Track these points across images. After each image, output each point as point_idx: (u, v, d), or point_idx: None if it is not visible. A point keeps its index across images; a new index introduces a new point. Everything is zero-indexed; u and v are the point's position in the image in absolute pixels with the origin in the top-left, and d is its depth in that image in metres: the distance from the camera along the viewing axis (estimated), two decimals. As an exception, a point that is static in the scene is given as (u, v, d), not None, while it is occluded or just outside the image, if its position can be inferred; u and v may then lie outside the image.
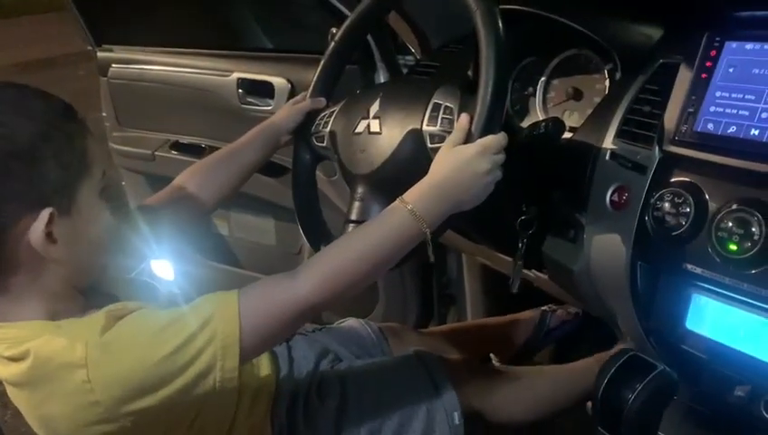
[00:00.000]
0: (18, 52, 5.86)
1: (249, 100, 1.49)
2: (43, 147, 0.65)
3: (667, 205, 0.76)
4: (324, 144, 0.94)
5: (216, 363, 0.66)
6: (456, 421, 0.94)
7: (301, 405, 0.92)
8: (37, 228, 0.65)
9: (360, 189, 0.87)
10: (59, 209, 0.66)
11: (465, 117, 0.77)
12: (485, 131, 0.76)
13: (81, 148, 0.69)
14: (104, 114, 1.82)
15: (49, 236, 0.66)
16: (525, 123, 1.06)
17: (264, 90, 1.46)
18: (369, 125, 0.88)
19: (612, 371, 0.80)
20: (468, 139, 0.76)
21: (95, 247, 0.72)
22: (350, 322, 1.14)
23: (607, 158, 0.85)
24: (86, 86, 2.24)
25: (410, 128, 0.83)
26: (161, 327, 0.66)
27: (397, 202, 0.74)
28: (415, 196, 0.74)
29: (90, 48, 1.79)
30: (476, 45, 0.77)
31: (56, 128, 0.67)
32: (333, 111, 0.94)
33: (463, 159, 0.75)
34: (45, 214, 0.65)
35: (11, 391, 0.71)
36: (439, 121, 0.81)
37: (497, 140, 0.76)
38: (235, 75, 1.50)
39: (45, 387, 0.66)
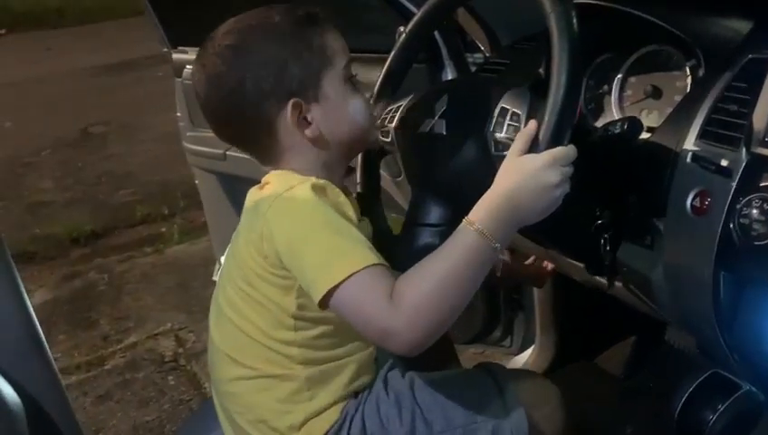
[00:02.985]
0: (103, 54, 6.15)
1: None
2: (282, 52, 0.81)
3: (754, 211, 0.71)
4: (389, 139, 0.93)
5: (316, 272, 0.74)
6: None
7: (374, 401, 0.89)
8: (289, 115, 0.81)
9: (421, 191, 0.85)
10: (306, 99, 0.81)
11: (532, 123, 0.74)
12: (554, 143, 0.73)
13: (320, 46, 0.82)
14: (179, 114, 1.87)
15: (303, 120, 0.82)
16: (600, 123, 1.02)
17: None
18: (434, 125, 0.86)
19: (692, 388, 0.75)
20: (534, 148, 0.73)
21: (348, 125, 0.84)
22: None
23: (688, 160, 0.80)
24: (164, 87, 2.31)
25: (475, 132, 0.81)
26: (327, 221, 0.76)
27: (464, 223, 0.73)
28: (480, 213, 0.72)
29: (165, 50, 1.84)
30: (549, 48, 0.74)
31: (293, 36, 0.82)
32: (400, 106, 0.93)
33: (529, 170, 0.72)
34: (290, 104, 0.81)
35: None
36: (505, 128, 0.79)
37: (567, 151, 0.73)
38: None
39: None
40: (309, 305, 0.78)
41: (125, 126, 4.41)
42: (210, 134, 1.80)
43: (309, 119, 0.82)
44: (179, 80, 1.80)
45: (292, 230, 0.77)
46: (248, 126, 0.84)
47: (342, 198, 0.81)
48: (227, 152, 1.76)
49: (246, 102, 0.82)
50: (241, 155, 1.71)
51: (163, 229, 3.03)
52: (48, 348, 1.06)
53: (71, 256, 2.89)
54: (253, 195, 0.87)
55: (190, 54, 1.78)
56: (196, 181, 1.95)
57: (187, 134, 1.85)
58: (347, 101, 0.84)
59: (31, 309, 1.03)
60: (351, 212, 0.80)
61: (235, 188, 1.77)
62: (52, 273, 2.75)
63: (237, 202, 1.83)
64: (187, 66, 1.77)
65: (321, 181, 0.80)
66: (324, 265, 0.73)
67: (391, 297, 0.70)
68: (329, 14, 0.85)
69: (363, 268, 0.71)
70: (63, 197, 3.56)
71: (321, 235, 0.75)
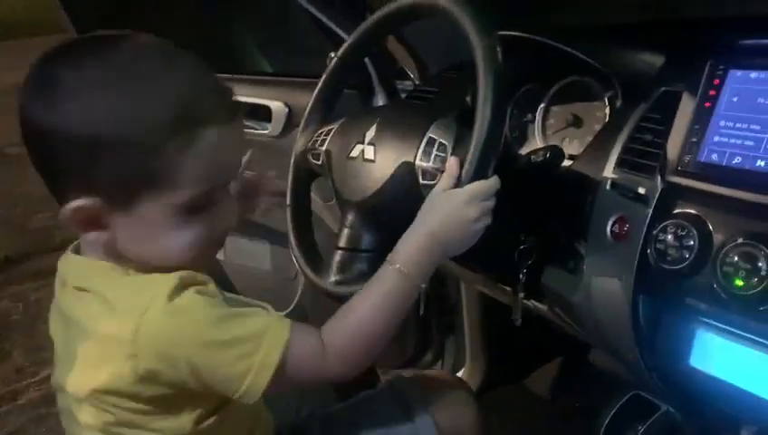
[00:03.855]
0: (22, 73, 5.90)
1: (247, 123, 1.48)
2: (106, 143, 0.62)
3: (669, 237, 0.73)
4: (320, 162, 0.92)
5: (247, 377, 0.66)
6: None
7: None
8: (78, 209, 0.65)
9: (350, 216, 0.85)
10: (110, 203, 0.65)
11: (454, 161, 0.76)
12: (476, 177, 0.74)
13: (160, 166, 0.63)
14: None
15: (91, 220, 0.66)
16: (524, 150, 1.04)
17: (262, 113, 1.44)
18: (363, 151, 0.86)
19: (614, 410, 0.77)
20: (458, 184, 0.75)
21: (157, 254, 0.68)
22: None
23: (607, 187, 0.83)
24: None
25: (403, 160, 0.81)
26: (220, 317, 0.66)
27: (385, 264, 0.74)
28: (401, 254, 0.74)
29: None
30: (475, 75, 0.76)
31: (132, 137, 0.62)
32: (331, 130, 0.93)
33: (450, 206, 0.74)
34: (84, 201, 0.64)
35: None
36: (432, 158, 0.80)
37: (487, 185, 0.74)
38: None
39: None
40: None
41: (44, 147, 4.22)
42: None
43: (103, 222, 0.66)
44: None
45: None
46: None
47: None
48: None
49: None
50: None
51: (84, 255, 2.90)
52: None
53: (-18, 284, 2.73)
54: None
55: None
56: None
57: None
58: (165, 232, 0.67)
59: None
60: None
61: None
62: (-39, 302, 2.59)
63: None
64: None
65: (174, 280, 0.66)
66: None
67: (322, 347, 0.70)
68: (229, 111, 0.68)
69: (289, 325, 0.70)
70: (-25, 221, 3.37)
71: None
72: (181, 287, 0.66)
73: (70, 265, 0.74)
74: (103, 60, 0.63)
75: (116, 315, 0.65)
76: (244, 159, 0.92)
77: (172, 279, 0.66)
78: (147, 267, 0.69)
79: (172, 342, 0.65)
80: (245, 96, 1.47)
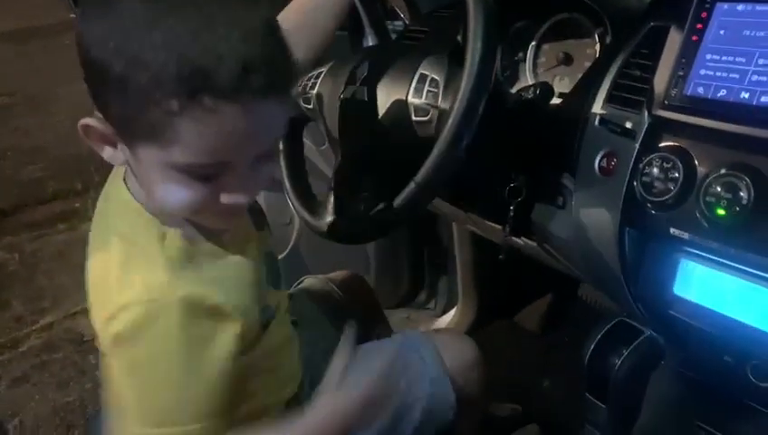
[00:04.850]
0: (2, 22, 5.76)
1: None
2: (113, 78, 0.56)
3: (655, 170, 0.75)
4: (311, 106, 0.93)
5: None
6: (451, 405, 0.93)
7: None
8: (88, 127, 0.62)
9: (343, 158, 0.86)
10: (120, 135, 0.61)
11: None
12: (470, 109, 0.74)
13: (159, 120, 0.57)
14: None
15: (104, 139, 0.63)
16: (515, 88, 1.05)
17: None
18: (355, 91, 0.87)
19: (599, 336, 0.81)
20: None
21: (156, 201, 0.65)
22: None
23: (596, 123, 0.84)
24: (72, 56, 2.19)
25: (396, 98, 0.82)
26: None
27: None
28: None
29: (73, 16, 1.75)
30: (465, 14, 0.76)
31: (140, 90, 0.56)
32: (321, 73, 0.93)
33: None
34: (96, 122, 0.61)
35: None
36: (425, 94, 0.80)
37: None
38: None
39: None
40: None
41: (31, 98, 4.16)
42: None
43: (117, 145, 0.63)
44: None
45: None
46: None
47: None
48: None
49: None
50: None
51: (77, 205, 2.90)
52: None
53: (-23, 236, 2.74)
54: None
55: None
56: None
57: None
58: (161, 183, 0.62)
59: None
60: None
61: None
62: (-43, 253, 2.60)
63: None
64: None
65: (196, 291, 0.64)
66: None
67: None
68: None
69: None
70: (-35, 174, 3.35)
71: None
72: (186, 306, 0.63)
73: (111, 192, 0.72)
74: None
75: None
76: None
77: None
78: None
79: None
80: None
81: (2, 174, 3.30)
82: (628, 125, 0.80)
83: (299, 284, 1.13)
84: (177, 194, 0.61)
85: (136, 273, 0.64)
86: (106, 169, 0.72)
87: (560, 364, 1.22)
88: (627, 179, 0.78)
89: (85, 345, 2.01)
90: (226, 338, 0.66)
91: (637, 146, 0.78)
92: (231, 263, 0.71)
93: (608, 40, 0.94)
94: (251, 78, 0.56)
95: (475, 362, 1.00)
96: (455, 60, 0.81)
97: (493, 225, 1.03)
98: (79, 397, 1.81)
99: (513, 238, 0.98)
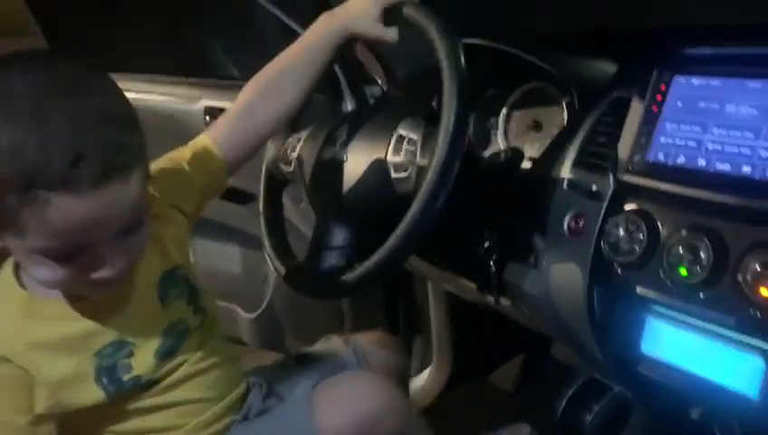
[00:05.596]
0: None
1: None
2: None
3: (621, 231, 0.78)
4: (291, 169, 0.96)
5: None
6: None
7: None
8: None
9: (324, 215, 0.89)
10: None
11: None
12: (445, 169, 0.77)
13: (5, 215, 0.61)
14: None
15: None
16: (487, 153, 1.09)
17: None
18: (335, 153, 0.90)
19: (571, 392, 0.82)
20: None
21: (32, 277, 0.70)
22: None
23: (564, 186, 0.88)
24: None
25: (374, 157, 0.85)
26: None
27: None
28: None
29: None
30: (441, 83, 0.80)
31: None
32: (301, 138, 0.96)
33: None
34: None
35: None
36: (403, 152, 0.83)
37: None
38: (203, 103, 1.51)
39: None
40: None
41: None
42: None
43: None
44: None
45: None
46: None
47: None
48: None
49: None
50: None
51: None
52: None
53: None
54: None
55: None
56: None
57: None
58: (32, 266, 0.67)
59: None
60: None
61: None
62: None
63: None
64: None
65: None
66: None
67: None
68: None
69: None
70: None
71: None
72: None
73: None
74: None
75: None
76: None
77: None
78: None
79: None
80: (214, 100, 1.50)
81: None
82: (595, 188, 0.84)
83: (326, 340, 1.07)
84: (44, 273, 0.66)
85: None
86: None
87: (532, 422, 1.22)
88: (594, 239, 0.82)
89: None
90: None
91: (603, 208, 0.82)
92: (71, 330, 0.73)
93: (575, 108, 0.99)
94: (81, 169, 0.59)
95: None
96: (431, 122, 0.84)
97: (467, 283, 1.05)
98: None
99: (488, 297, 1.00)
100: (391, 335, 1.17)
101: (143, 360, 0.75)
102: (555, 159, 0.91)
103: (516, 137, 1.08)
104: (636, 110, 0.83)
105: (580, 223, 0.84)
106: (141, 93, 1.60)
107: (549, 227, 0.88)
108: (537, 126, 1.05)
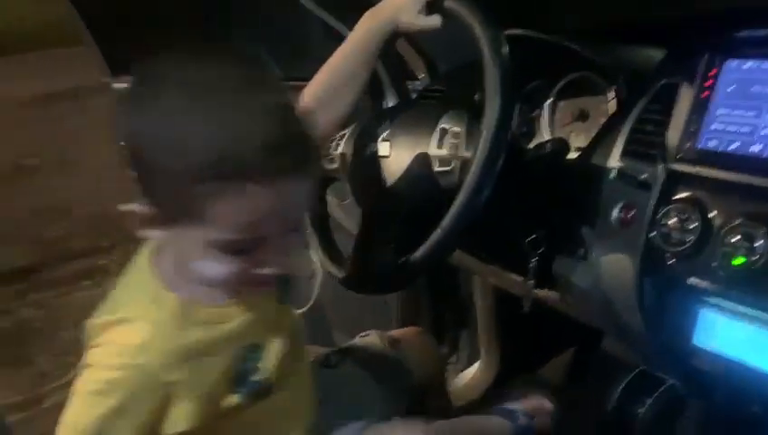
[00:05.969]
0: (33, 85, 5.96)
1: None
2: (147, 165, 0.63)
3: (672, 221, 0.77)
4: (335, 166, 0.97)
5: None
6: None
7: None
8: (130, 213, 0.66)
9: (369, 210, 0.89)
10: (161, 217, 0.65)
11: None
12: (489, 162, 0.77)
13: (193, 204, 0.61)
14: (122, 143, 1.85)
15: (147, 223, 0.66)
16: (533, 144, 1.08)
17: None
18: (378, 148, 0.90)
19: (621, 386, 0.81)
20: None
21: (195, 273, 0.68)
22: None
23: (613, 177, 0.86)
24: (101, 118, 2.27)
25: (418, 151, 0.85)
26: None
27: None
28: None
29: (104, 79, 1.83)
30: (483, 72, 0.79)
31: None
32: (344, 135, 0.97)
33: None
34: (139, 207, 0.65)
35: None
36: (447, 145, 0.83)
37: None
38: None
39: None
40: None
41: (60, 158, 4.28)
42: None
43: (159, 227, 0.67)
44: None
45: None
46: None
47: None
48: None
49: None
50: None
51: (101, 262, 2.94)
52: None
53: (3, 293, 2.79)
54: None
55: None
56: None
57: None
58: (200, 261, 0.66)
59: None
60: None
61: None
62: (-17, 310, 2.65)
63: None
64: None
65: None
66: None
67: None
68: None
69: None
70: (-5, 232, 3.43)
71: None
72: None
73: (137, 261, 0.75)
74: (180, 82, 0.62)
75: None
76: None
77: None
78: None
79: None
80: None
81: (27, 233, 3.37)
82: (644, 178, 0.82)
83: (364, 336, 1.11)
84: (215, 268, 0.65)
85: (119, 335, 0.70)
86: (130, 228, 0.76)
87: (583, 418, 1.20)
88: (645, 230, 0.80)
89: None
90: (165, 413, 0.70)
91: (653, 197, 0.80)
92: (219, 334, 0.73)
93: (622, 97, 0.97)
94: (276, 160, 0.60)
95: None
96: (474, 115, 0.84)
97: (514, 277, 1.04)
98: (100, 453, 1.81)
99: (536, 290, 1.00)
100: (426, 331, 1.18)
101: (269, 362, 0.77)
102: (603, 148, 0.89)
103: (561, 127, 1.07)
104: (685, 96, 0.82)
105: (630, 213, 0.83)
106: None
107: (598, 219, 0.87)
108: (583, 116, 1.04)
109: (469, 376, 1.61)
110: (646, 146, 0.84)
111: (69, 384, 2.21)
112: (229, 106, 0.60)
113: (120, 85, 1.78)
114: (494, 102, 0.77)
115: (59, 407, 2.09)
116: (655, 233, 0.79)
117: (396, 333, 1.12)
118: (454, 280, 1.59)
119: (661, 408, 0.79)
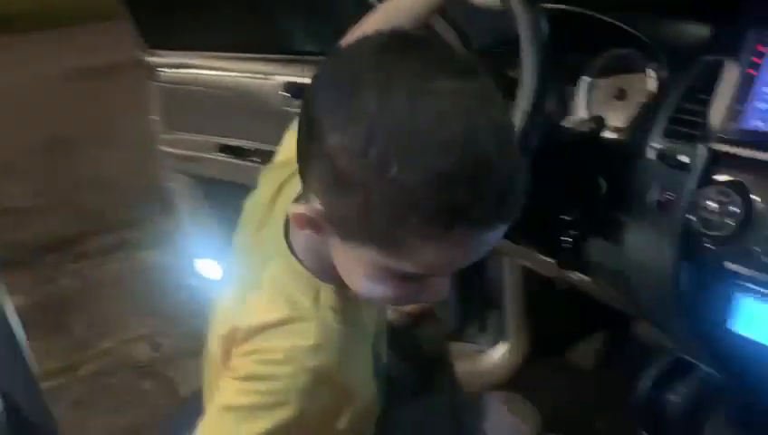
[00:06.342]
0: (72, 60, 6.05)
1: (294, 103, 1.52)
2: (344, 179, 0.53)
3: (712, 204, 0.74)
4: None
5: None
6: None
7: None
8: (300, 216, 0.59)
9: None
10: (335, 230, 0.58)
11: None
12: (523, 140, 0.75)
13: (392, 236, 0.53)
14: (154, 118, 1.87)
15: (311, 225, 0.59)
16: (568, 122, 1.06)
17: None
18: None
19: (655, 372, 0.79)
20: None
21: (352, 286, 0.63)
22: None
23: (652, 157, 0.84)
24: (137, 92, 2.30)
25: None
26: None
27: None
28: None
29: (139, 54, 1.84)
30: (519, 51, 0.78)
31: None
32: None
33: None
34: (311, 212, 0.57)
35: None
36: None
37: None
38: (281, 78, 1.53)
39: None
40: None
41: (97, 131, 4.36)
42: (187, 137, 1.80)
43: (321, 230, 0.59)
44: (155, 83, 1.81)
45: None
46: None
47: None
48: (205, 155, 1.78)
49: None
50: (220, 157, 1.74)
51: (137, 234, 3.01)
52: (28, 354, 1.06)
53: (43, 262, 2.86)
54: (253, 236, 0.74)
55: (164, 57, 1.79)
56: (170, 185, 1.95)
57: (162, 137, 1.86)
58: (365, 278, 0.60)
59: (12, 313, 1.03)
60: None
61: (212, 190, 1.78)
62: (24, 279, 2.72)
63: (214, 205, 1.84)
64: (162, 69, 1.78)
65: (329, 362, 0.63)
66: None
67: None
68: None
69: None
70: (35, 203, 3.51)
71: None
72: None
73: (270, 238, 0.70)
74: (380, 91, 0.51)
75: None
76: None
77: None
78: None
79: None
80: (292, 76, 1.51)
81: (66, 203, 3.45)
82: (685, 159, 0.79)
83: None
84: (380, 290, 0.60)
85: (284, 338, 0.64)
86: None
87: (613, 403, 1.19)
88: (683, 213, 0.78)
89: (141, 371, 2.07)
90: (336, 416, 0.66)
91: (693, 179, 0.78)
92: (362, 329, 0.71)
93: (662, 75, 0.94)
94: (503, 210, 0.54)
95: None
96: (509, 91, 0.82)
97: (545, 259, 1.02)
98: (133, 422, 1.85)
99: (567, 273, 0.98)
100: (433, 310, 1.17)
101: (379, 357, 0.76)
102: (642, 128, 0.87)
103: (599, 106, 1.04)
104: (730, 74, 0.78)
105: (669, 195, 0.80)
106: (222, 70, 1.64)
107: (635, 201, 0.84)
108: (621, 94, 1.01)
109: (496, 356, 1.61)
110: (687, 126, 0.81)
111: (104, 353, 2.26)
112: (464, 120, 0.51)
113: (155, 59, 1.80)
114: (530, 81, 0.75)
115: (93, 375, 2.13)
116: (693, 216, 0.76)
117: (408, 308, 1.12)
118: (483, 260, 1.58)
119: (696, 396, 0.77)
